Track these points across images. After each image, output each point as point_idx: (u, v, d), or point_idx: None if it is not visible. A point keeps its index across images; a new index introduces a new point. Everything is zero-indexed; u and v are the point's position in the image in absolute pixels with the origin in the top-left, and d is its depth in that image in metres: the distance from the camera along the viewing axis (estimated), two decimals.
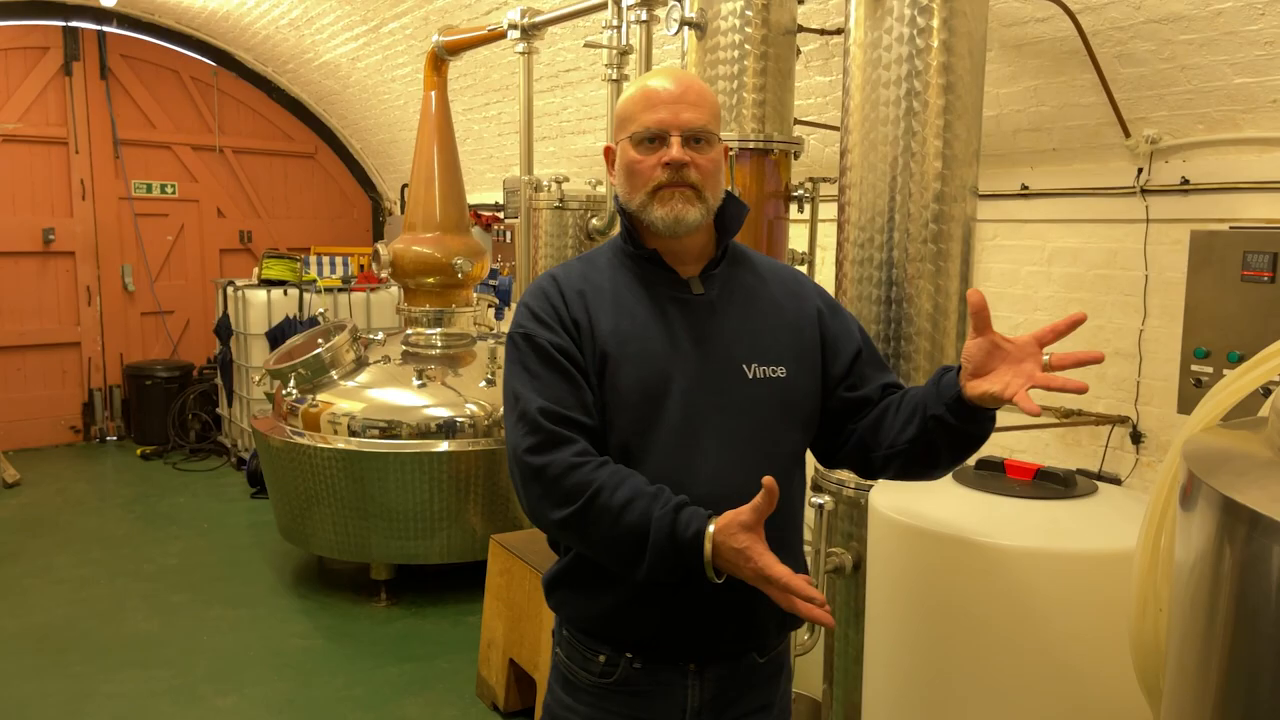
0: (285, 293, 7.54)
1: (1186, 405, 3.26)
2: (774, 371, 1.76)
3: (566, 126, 6.70)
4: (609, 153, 1.84)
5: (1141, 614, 1.99)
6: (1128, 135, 3.58)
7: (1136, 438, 3.75)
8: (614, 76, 4.04)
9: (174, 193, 9.05)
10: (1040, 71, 3.72)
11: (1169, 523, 1.82)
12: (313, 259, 8.19)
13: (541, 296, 1.77)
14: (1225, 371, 2.86)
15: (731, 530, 1.53)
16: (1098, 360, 1.57)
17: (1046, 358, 1.61)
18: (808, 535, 2.57)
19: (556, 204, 4.33)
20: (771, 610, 1.69)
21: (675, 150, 1.69)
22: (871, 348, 1.93)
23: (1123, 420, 3.79)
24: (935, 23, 2.67)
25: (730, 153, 3.21)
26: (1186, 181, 3.49)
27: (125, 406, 8.81)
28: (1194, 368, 3.23)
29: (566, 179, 4.41)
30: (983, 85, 2.81)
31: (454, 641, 4.71)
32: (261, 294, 7.48)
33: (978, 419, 1.67)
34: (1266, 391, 1.90)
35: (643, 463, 1.69)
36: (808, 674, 3.11)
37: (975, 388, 1.61)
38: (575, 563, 1.78)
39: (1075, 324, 1.57)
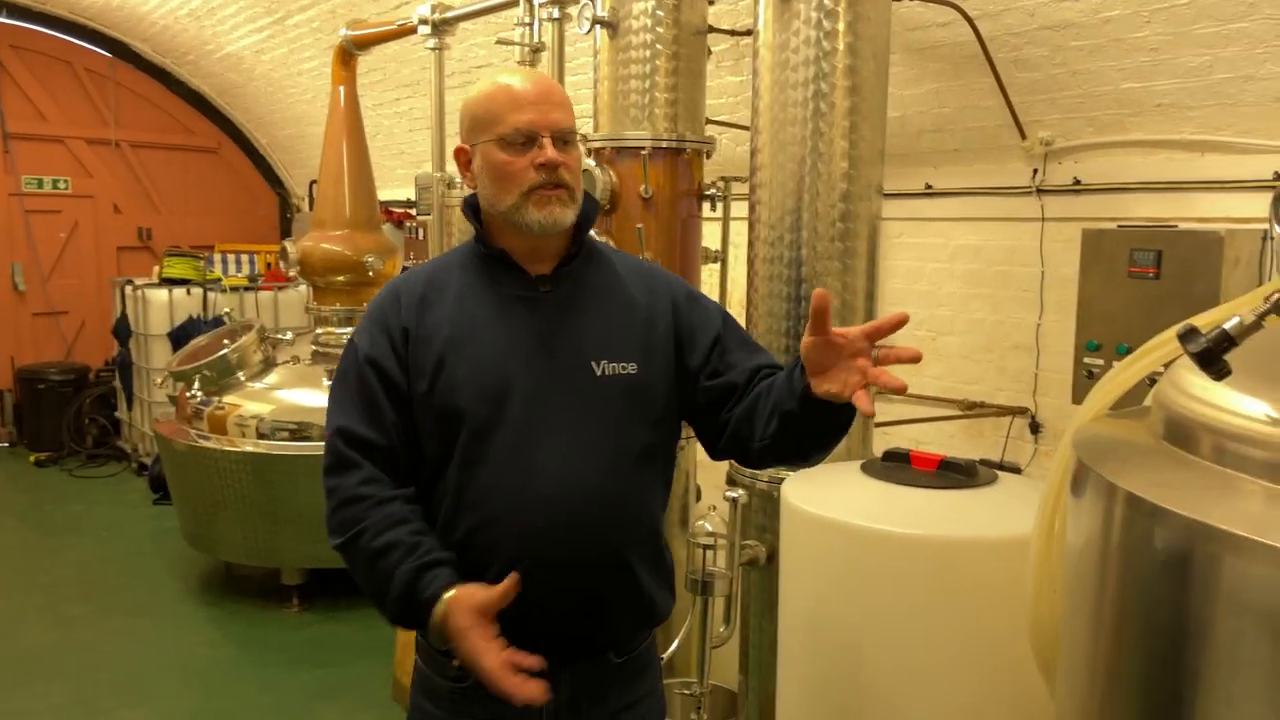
0: (188, 292, 7.32)
1: (1080, 396, 3.40)
2: (624, 368, 1.75)
3: None
4: (462, 154, 1.80)
5: (1038, 597, 2.08)
6: (1024, 137, 3.72)
7: (1035, 428, 3.90)
8: None
9: (67, 188, 8.70)
10: (942, 75, 3.84)
11: (1062, 509, 1.91)
12: (217, 257, 7.98)
13: (378, 303, 1.80)
14: (1115, 364, 3.00)
15: (462, 606, 1.57)
16: (916, 359, 1.57)
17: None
18: (722, 529, 2.61)
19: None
20: (625, 610, 1.80)
21: (550, 152, 1.68)
22: (736, 333, 1.89)
23: (1022, 411, 3.93)
24: (841, 26, 2.73)
25: (644, 152, 3.25)
26: (1078, 182, 3.64)
27: (17, 411, 8.45)
28: (1086, 360, 3.38)
29: None
30: (887, 88, 2.89)
31: (369, 646, 4.64)
32: (163, 293, 7.25)
33: (833, 410, 1.63)
34: (1152, 381, 2.00)
35: (484, 464, 1.68)
36: (724, 665, 3.16)
37: (818, 386, 1.60)
38: None
39: (899, 324, 1.57)
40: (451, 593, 1.59)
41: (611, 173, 3.26)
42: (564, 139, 1.72)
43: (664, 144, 3.28)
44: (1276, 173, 3.09)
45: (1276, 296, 1.36)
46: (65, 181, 8.69)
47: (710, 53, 3.51)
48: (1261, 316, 1.36)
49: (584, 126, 4.33)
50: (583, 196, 1.79)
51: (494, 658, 1.55)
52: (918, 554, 2.35)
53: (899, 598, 2.34)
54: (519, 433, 1.68)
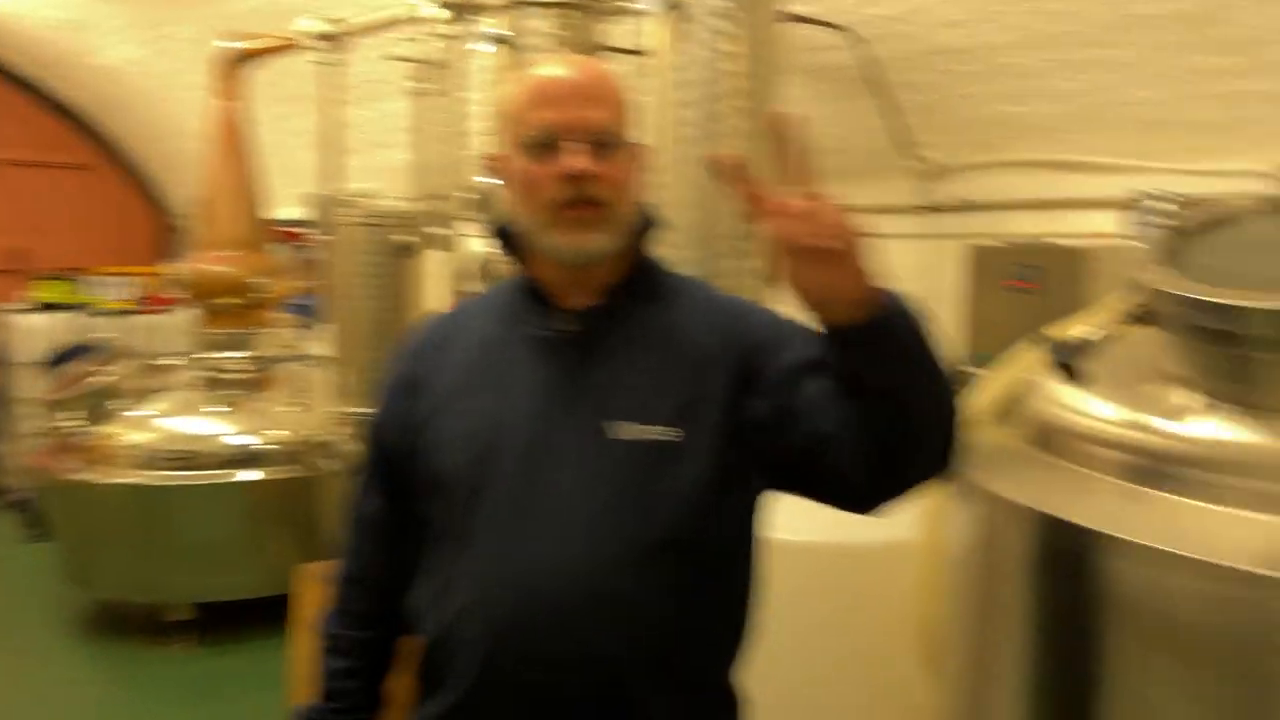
0: (62, 317, 6.97)
1: None
2: (658, 433, 1.34)
3: (372, 140, 6.54)
4: (496, 161, 1.45)
5: (922, 599, 2.17)
6: (913, 158, 3.86)
7: None
8: (421, 91, 3.99)
9: None
10: (835, 96, 3.96)
11: (944, 513, 2.00)
12: (93, 280, 7.61)
13: (397, 351, 1.59)
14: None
15: None
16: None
17: None
18: None
19: (364, 221, 4.23)
20: None
21: (568, 159, 1.32)
22: (799, 331, 1.36)
23: None
24: (735, 48, 2.79)
25: None
26: (963, 201, 3.79)
27: None
28: (972, 371, 3.51)
29: (373, 194, 4.31)
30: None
31: (264, 678, 4.47)
32: (34, 319, 6.89)
33: (858, 331, 1.18)
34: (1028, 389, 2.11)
35: (470, 542, 1.37)
36: None
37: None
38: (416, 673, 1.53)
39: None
40: None
41: None
42: (601, 142, 1.34)
43: None
44: (1140, 192, 3.28)
45: (1132, 309, 1.46)
46: None
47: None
48: (1118, 327, 1.46)
49: (483, 145, 4.30)
50: (637, 214, 1.43)
51: None
52: (806, 561, 2.41)
53: (791, 605, 2.39)
54: (508, 509, 1.35)
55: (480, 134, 5.18)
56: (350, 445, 4.29)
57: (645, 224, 1.45)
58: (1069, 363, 1.47)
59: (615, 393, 1.37)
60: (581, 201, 1.34)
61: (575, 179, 1.32)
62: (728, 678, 1.45)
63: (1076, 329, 1.59)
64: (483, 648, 1.33)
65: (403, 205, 4.30)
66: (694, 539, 1.35)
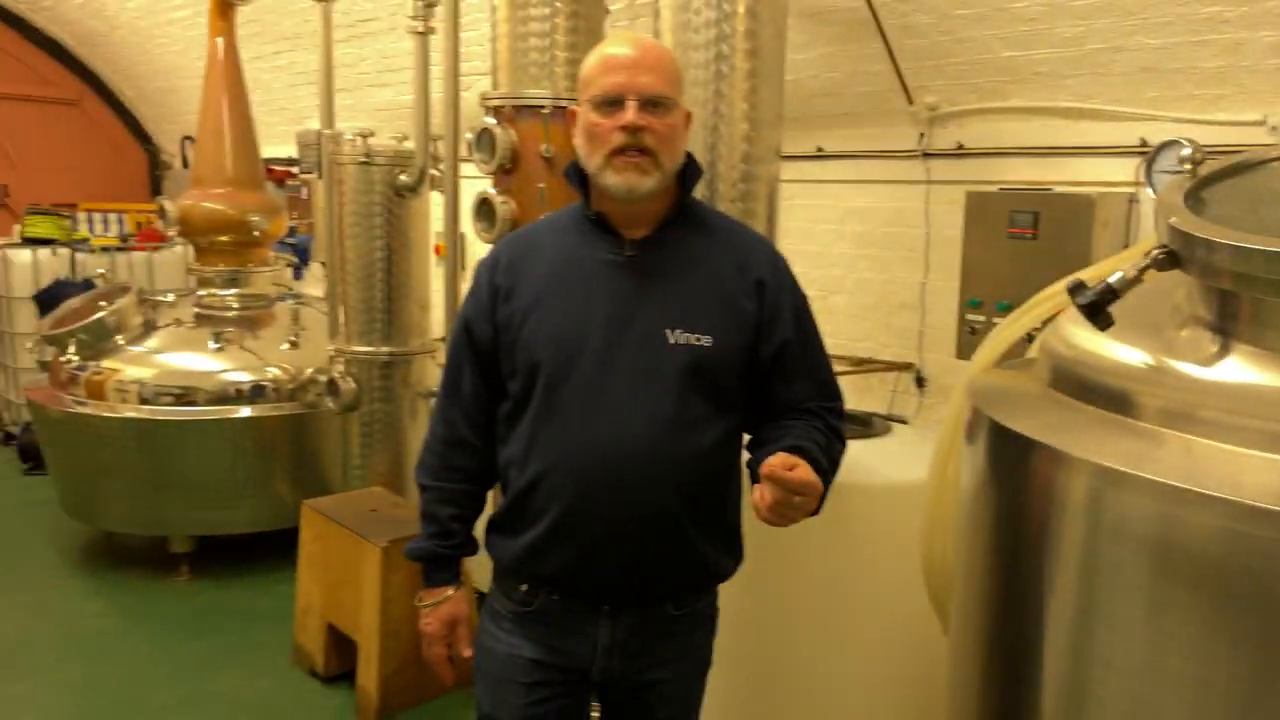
0: (54, 252, 6.93)
1: (964, 351, 3.59)
2: (696, 339, 1.79)
3: (365, 79, 6.48)
4: (571, 115, 1.86)
5: (930, 536, 2.22)
6: (911, 102, 3.86)
7: (920, 382, 4.09)
8: (420, 29, 3.96)
9: None
10: (834, 39, 3.94)
11: (956, 454, 2.03)
12: (83, 215, 7.56)
13: (480, 265, 1.95)
14: (996, 320, 3.18)
15: (440, 612, 1.99)
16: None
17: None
18: None
19: (362, 159, 4.21)
20: (675, 567, 1.87)
21: (630, 114, 1.72)
22: (806, 342, 1.91)
23: (908, 367, 4.12)
24: None
25: (545, 110, 3.25)
26: (961, 146, 3.81)
27: None
28: (969, 317, 3.56)
29: (372, 133, 4.29)
30: (784, 51, 2.95)
31: (265, 611, 4.56)
32: (26, 254, 6.83)
33: None
34: (1031, 338, 2.14)
35: (554, 415, 1.80)
36: None
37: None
38: (500, 510, 1.93)
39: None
40: (448, 593, 1.98)
41: (512, 131, 3.25)
42: (653, 102, 1.74)
43: (564, 102, 3.28)
44: (1143, 139, 3.30)
45: (1155, 253, 1.48)
46: None
47: (609, 12, 3.52)
48: (1142, 271, 1.48)
49: (482, 84, 4.28)
50: (682, 160, 1.82)
51: (437, 648, 2.00)
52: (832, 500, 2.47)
53: (804, 543, 2.45)
54: (585, 390, 1.78)
55: (477, 74, 5.15)
56: (346, 383, 4.32)
57: (689, 170, 1.86)
58: (1095, 307, 1.49)
59: (665, 305, 1.80)
60: (635, 149, 1.74)
61: (631, 130, 1.73)
62: (738, 517, 1.95)
63: (1098, 273, 1.60)
64: (568, 492, 1.79)
65: (404, 145, 4.28)
66: (722, 416, 1.83)
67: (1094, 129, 3.44)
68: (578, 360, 1.78)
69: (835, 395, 1.96)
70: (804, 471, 1.63)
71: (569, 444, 1.79)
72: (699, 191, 2.90)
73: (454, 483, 1.97)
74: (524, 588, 1.90)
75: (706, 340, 1.79)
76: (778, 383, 1.88)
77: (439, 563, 1.99)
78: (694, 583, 1.94)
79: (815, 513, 1.73)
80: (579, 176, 1.86)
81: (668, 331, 1.78)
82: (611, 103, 1.75)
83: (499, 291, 1.87)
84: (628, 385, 1.77)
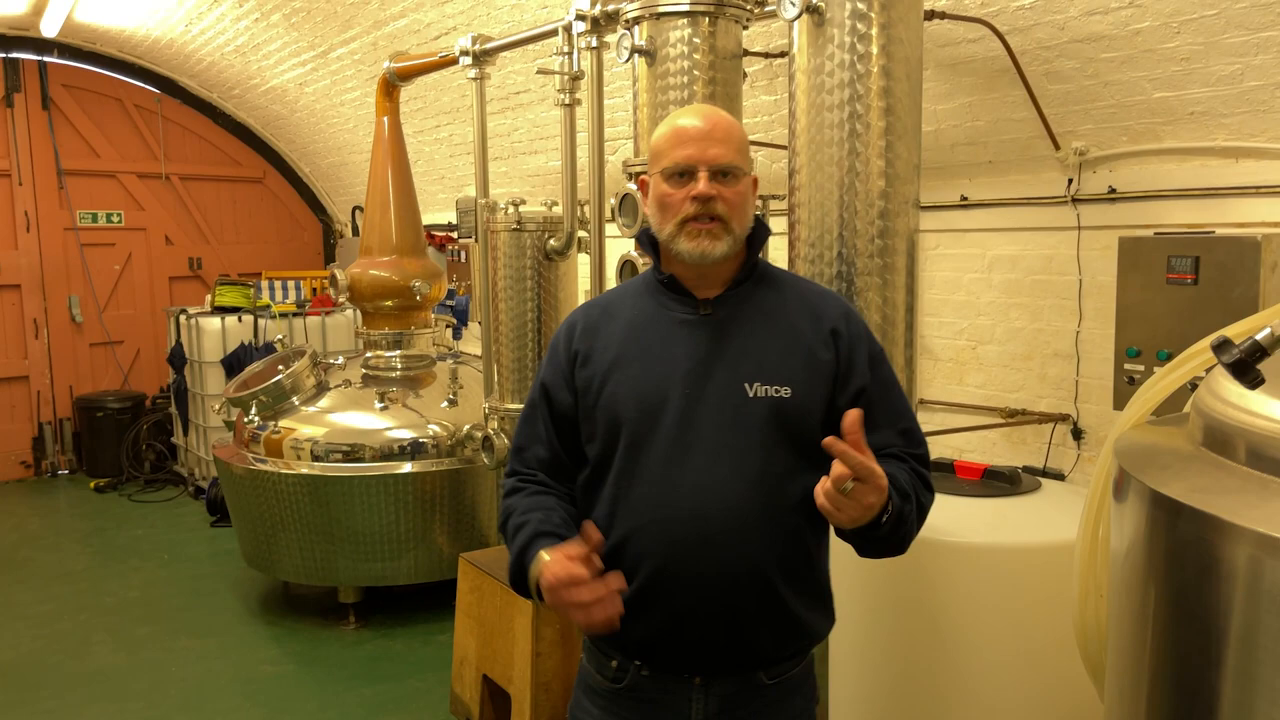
0: (239, 319, 7.52)
1: (1122, 402, 3.44)
2: (777, 391, 1.80)
3: (519, 147, 6.79)
4: (643, 184, 1.94)
5: (1084, 600, 2.14)
6: (1057, 148, 3.77)
7: (1077, 434, 3.93)
8: (566, 101, 4.14)
9: (120, 221, 8.97)
10: (974, 89, 3.90)
11: (1105, 514, 1.96)
12: (265, 284, 8.17)
13: (558, 332, 2.00)
14: (1155, 369, 3.04)
15: (554, 563, 1.70)
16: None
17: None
18: None
19: (514, 226, 4.42)
20: (768, 627, 1.83)
21: (702, 185, 1.78)
22: (884, 390, 1.91)
23: (1064, 418, 3.97)
24: (874, 49, 2.81)
25: None
26: (1113, 190, 3.68)
27: (76, 439, 8.70)
28: (1126, 366, 3.41)
29: (523, 200, 4.50)
30: (921, 105, 2.96)
31: (425, 661, 4.76)
32: (215, 321, 7.45)
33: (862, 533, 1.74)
34: (1193, 386, 2.05)
35: (638, 475, 1.81)
36: None
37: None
38: None
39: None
40: (546, 556, 1.72)
41: None
42: (724, 172, 1.80)
43: None
44: None
45: None
46: (118, 215, 8.97)
47: (745, 75, 3.60)
48: None
49: (625, 151, 4.41)
50: (751, 224, 1.88)
51: (572, 591, 1.67)
52: (966, 560, 2.41)
53: (949, 603, 2.41)
54: (670, 447, 1.79)
55: (623, 139, 5.33)
56: (500, 439, 4.50)
57: (758, 232, 1.90)
58: (1242, 364, 1.43)
59: (743, 360, 1.83)
60: (706, 217, 1.80)
61: (703, 199, 1.79)
62: (827, 576, 1.95)
63: (1248, 328, 1.53)
64: (657, 551, 1.78)
65: (551, 210, 4.47)
66: (808, 467, 1.79)
67: (1258, 168, 3.28)
68: (660, 417, 1.80)
69: (919, 443, 1.93)
70: (869, 458, 1.61)
71: (655, 502, 1.79)
72: (831, 249, 2.94)
73: (537, 495, 1.91)
74: (614, 663, 1.89)
75: (786, 391, 1.80)
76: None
77: (530, 549, 1.80)
78: (786, 644, 1.88)
79: (892, 541, 1.77)
80: (650, 242, 1.92)
81: (747, 385, 1.80)
82: (683, 173, 1.80)
83: (577, 356, 1.90)
84: (711, 441, 1.78)
